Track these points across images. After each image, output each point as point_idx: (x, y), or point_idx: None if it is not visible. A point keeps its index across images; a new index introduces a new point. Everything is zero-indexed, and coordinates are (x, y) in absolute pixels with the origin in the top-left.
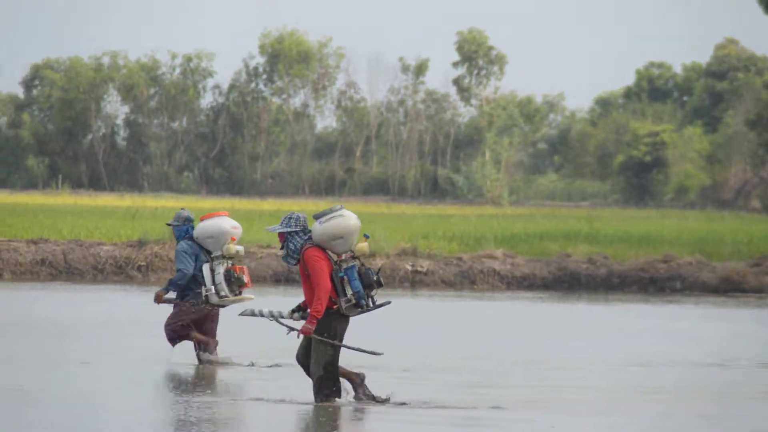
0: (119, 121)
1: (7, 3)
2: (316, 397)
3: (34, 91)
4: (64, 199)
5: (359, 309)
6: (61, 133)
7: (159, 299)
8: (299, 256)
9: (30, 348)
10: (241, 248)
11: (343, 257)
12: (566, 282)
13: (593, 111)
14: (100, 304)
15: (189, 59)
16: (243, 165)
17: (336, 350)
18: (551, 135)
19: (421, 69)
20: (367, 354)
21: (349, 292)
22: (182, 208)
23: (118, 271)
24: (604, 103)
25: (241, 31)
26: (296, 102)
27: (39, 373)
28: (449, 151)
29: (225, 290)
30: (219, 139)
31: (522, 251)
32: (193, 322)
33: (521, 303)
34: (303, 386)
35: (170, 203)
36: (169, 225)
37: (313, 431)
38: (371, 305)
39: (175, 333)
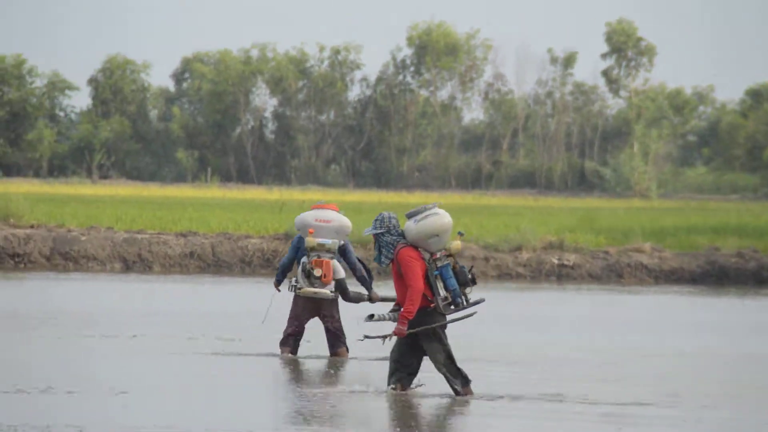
0: (267, 114)
1: None
2: (454, 391)
3: (184, 84)
4: (213, 192)
5: (454, 307)
6: (211, 126)
7: (276, 287)
8: (392, 255)
9: (167, 339)
10: (327, 241)
11: (438, 255)
12: (714, 276)
13: (744, 102)
14: (243, 296)
15: (337, 52)
16: (390, 158)
17: (444, 341)
18: (701, 127)
19: (569, 61)
20: (470, 315)
21: (444, 291)
22: (318, 200)
23: (265, 264)
24: (755, 95)
25: (388, 23)
26: (443, 94)
27: (174, 365)
28: (597, 144)
29: (301, 282)
30: (366, 131)
31: (670, 245)
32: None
33: (669, 297)
34: (436, 379)
35: (317, 196)
36: None
37: (459, 424)
38: (466, 303)
39: (283, 341)
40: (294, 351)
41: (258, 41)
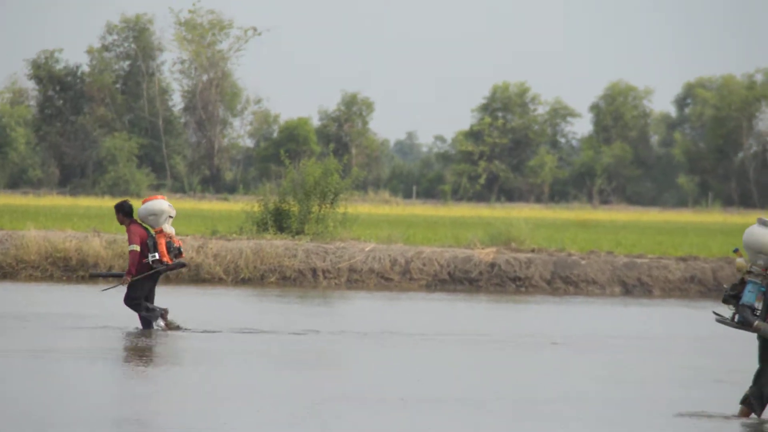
0: None
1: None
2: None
3: (686, 110)
4: (713, 217)
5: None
6: (712, 151)
7: None
8: None
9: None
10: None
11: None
12: None
13: None
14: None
15: None
16: None
17: None
18: None
19: None
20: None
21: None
22: None
23: None
24: None
25: None
26: None
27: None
28: None
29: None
30: None
31: None
32: None
33: None
34: None
35: None
36: None
37: None
38: (727, 321)
39: None
40: None
41: (762, 66)
